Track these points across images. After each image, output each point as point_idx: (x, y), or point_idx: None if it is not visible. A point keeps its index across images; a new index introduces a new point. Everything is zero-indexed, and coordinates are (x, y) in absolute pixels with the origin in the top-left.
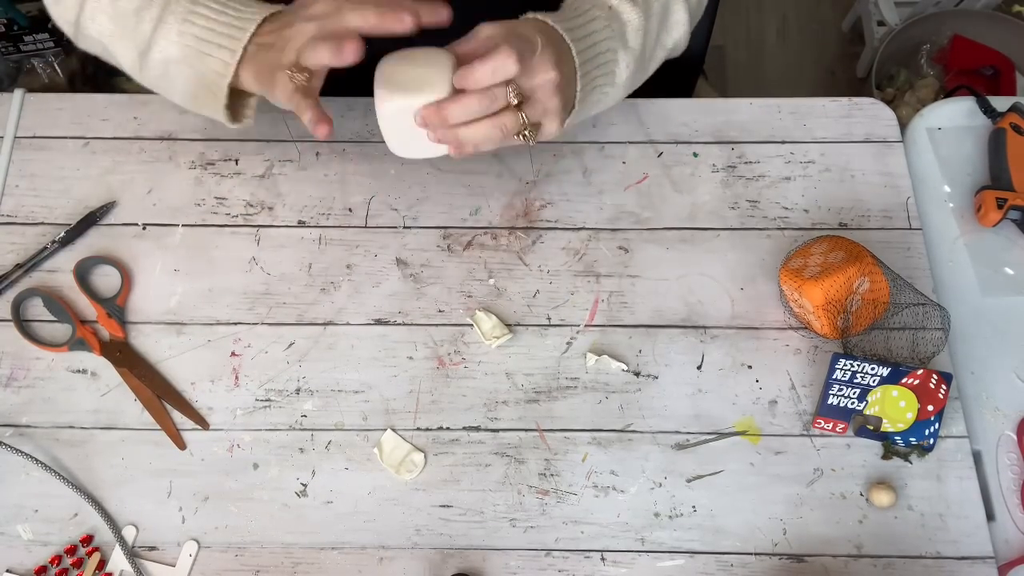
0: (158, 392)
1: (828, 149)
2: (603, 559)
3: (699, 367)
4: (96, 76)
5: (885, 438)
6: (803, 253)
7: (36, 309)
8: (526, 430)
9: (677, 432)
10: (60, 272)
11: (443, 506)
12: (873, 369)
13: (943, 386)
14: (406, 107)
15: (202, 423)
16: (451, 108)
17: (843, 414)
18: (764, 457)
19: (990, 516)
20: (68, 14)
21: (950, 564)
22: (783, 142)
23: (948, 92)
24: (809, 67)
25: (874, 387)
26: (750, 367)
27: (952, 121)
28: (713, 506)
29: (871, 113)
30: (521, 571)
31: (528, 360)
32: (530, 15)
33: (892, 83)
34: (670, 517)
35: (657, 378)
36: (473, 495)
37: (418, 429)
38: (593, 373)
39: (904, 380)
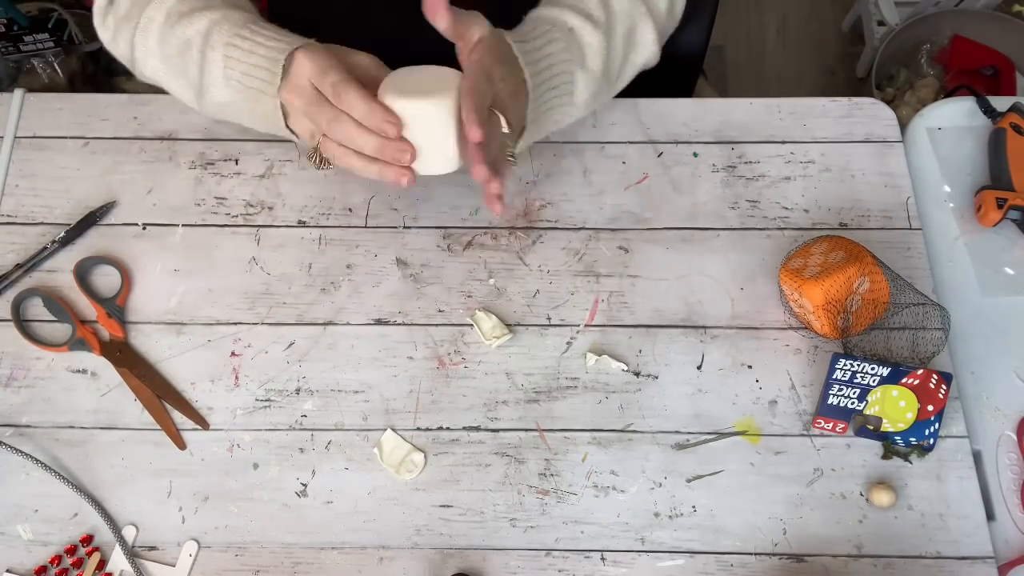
0: (158, 392)
1: (828, 149)
2: (603, 559)
3: (699, 367)
4: (96, 76)
5: (885, 438)
6: (803, 253)
7: (36, 309)
8: (526, 430)
9: (677, 432)
10: (60, 272)
11: (443, 506)
12: (873, 369)
13: (943, 386)
14: (419, 112)
15: (202, 423)
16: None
17: (843, 414)
18: (764, 457)
19: (990, 516)
20: (124, 53)
21: (950, 564)
22: (783, 142)
23: (948, 92)
24: (809, 67)
25: (874, 387)
26: (750, 367)
27: (952, 121)
28: (713, 506)
29: (871, 113)
30: (521, 571)
31: (528, 360)
32: (511, 43)
33: (892, 83)
34: (670, 517)
35: (657, 378)
36: (473, 495)
37: (418, 429)
38: (593, 373)
39: (904, 380)
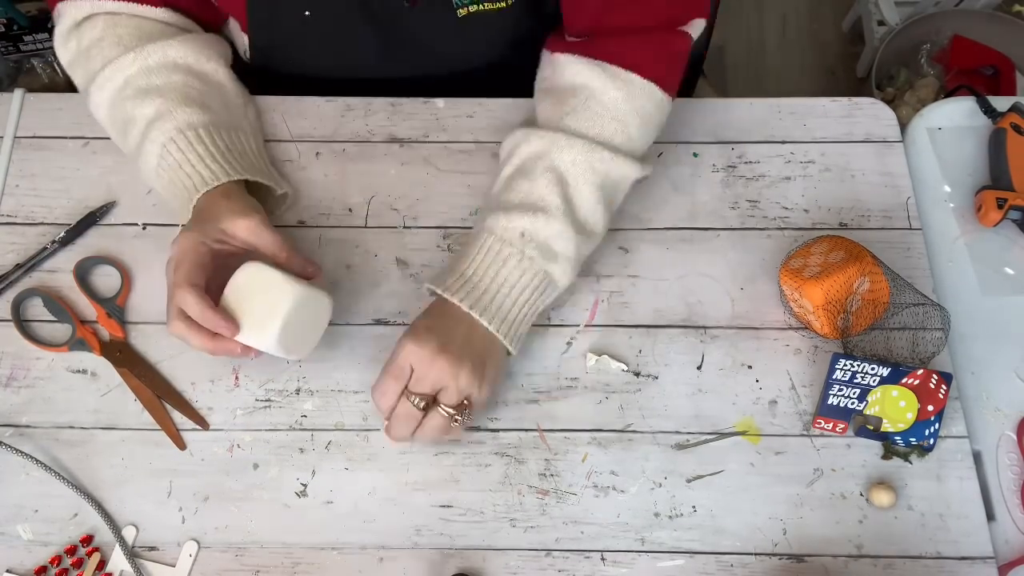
0: (158, 392)
1: (828, 149)
2: (603, 559)
3: (699, 367)
4: None
5: (885, 438)
6: (803, 253)
7: (36, 309)
8: (526, 430)
9: (677, 432)
10: (60, 272)
11: (443, 506)
12: (873, 369)
13: (943, 386)
14: (284, 326)
15: (202, 423)
16: (394, 434)
17: (843, 414)
18: (764, 457)
19: (990, 516)
20: (79, 83)
21: (950, 564)
22: (783, 142)
23: (948, 92)
24: (809, 67)
25: (874, 387)
26: (750, 367)
27: (952, 121)
28: (713, 506)
29: (871, 113)
30: (521, 571)
31: (528, 360)
32: (438, 291)
33: (892, 83)
34: (670, 517)
35: (657, 378)
36: (473, 495)
37: None
38: (593, 373)
39: (904, 380)
